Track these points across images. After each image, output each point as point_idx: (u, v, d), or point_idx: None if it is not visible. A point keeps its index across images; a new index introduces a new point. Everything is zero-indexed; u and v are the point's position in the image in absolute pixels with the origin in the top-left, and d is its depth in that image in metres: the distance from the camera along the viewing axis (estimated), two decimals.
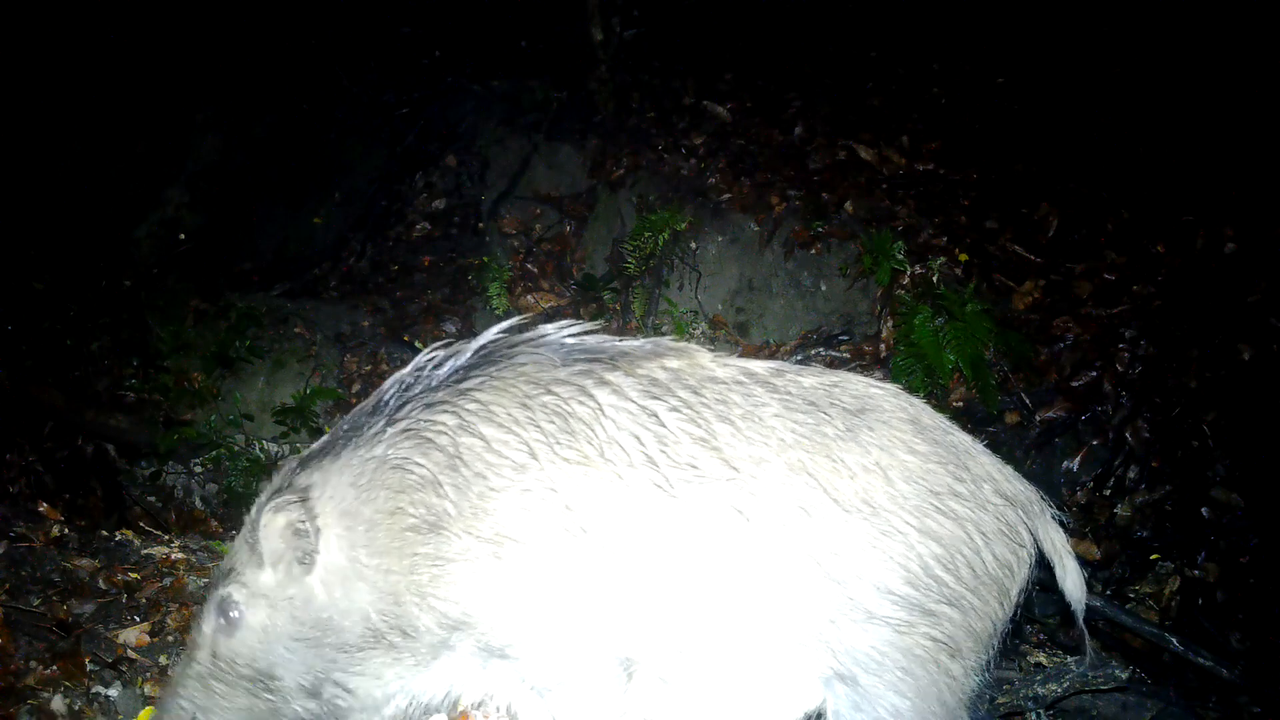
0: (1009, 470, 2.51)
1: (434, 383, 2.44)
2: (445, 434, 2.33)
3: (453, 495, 2.29)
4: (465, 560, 2.29)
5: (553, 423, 2.32)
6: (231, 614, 2.36)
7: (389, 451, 2.35)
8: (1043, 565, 2.50)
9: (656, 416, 2.33)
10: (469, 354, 2.47)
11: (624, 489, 2.28)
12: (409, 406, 2.40)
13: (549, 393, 2.36)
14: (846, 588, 2.26)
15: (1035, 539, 2.45)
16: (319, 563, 2.32)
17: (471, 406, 2.36)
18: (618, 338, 2.54)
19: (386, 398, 2.46)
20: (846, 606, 2.27)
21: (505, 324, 2.55)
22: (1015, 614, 2.48)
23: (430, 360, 2.50)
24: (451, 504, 2.29)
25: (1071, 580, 2.49)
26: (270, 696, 2.37)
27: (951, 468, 2.37)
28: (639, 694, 2.39)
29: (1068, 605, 2.53)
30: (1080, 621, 2.54)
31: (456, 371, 2.44)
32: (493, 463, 2.30)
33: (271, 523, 2.30)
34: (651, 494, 2.27)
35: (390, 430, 2.38)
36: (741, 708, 2.43)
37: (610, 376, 2.39)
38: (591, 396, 2.35)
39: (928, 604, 2.28)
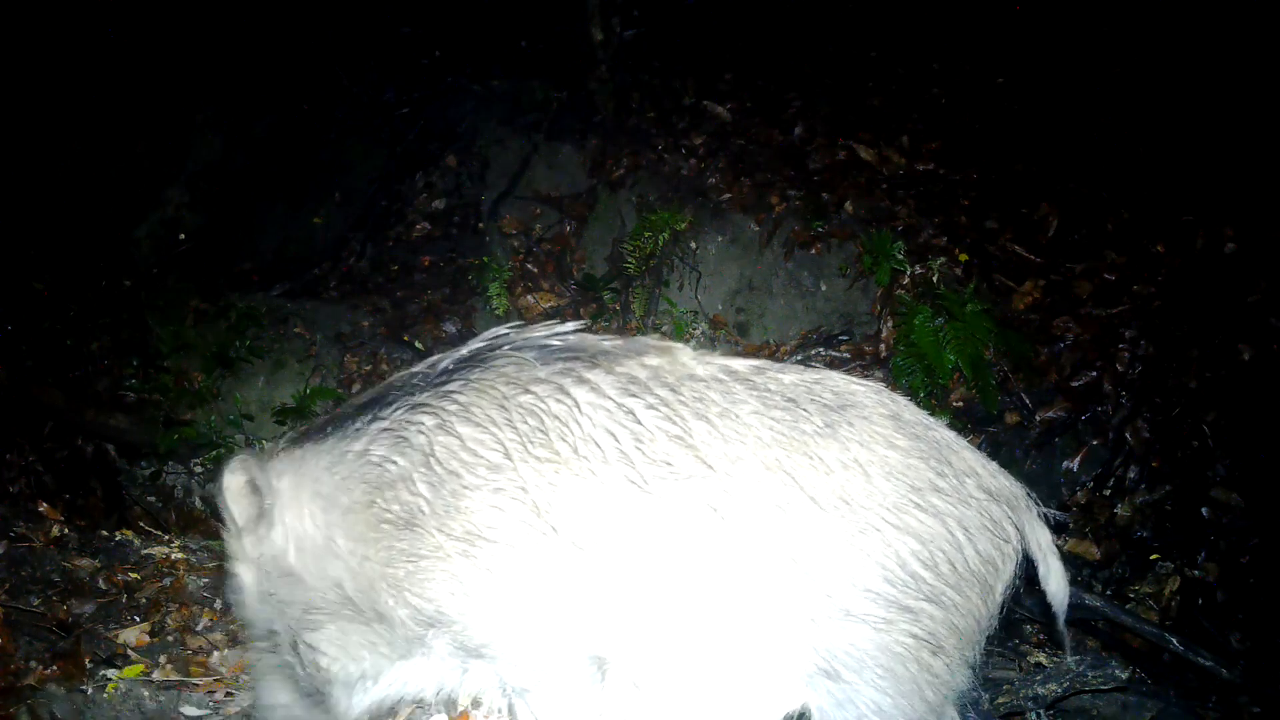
0: (994, 466, 2.46)
1: (421, 386, 2.48)
2: (423, 433, 2.36)
3: (426, 493, 2.32)
4: (437, 558, 2.31)
5: (527, 422, 2.32)
6: (236, 581, 2.53)
7: (369, 447, 2.40)
8: (1032, 564, 2.46)
9: (633, 414, 2.32)
10: (454, 359, 2.50)
11: (597, 486, 2.27)
12: (394, 407, 2.44)
13: (527, 392, 2.37)
14: (824, 585, 2.25)
15: (1021, 535, 2.41)
16: (287, 526, 2.42)
17: (451, 408, 2.38)
18: (601, 336, 2.53)
19: (377, 397, 2.51)
20: (824, 604, 2.25)
21: (494, 330, 2.56)
22: (1003, 609, 2.44)
23: (427, 364, 2.54)
24: (425, 501, 2.31)
25: (1055, 580, 2.46)
26: (276, 655, 2.51)
27: (933, 463, 2.33)
28: (615, 694, 2.39)
29: (1049, 605, 2.50)
30: (1061, 623, 2.51)
31: (441, 375, 2.47)
32: (467, 461, 2.32)
33: (229, 484, 2.41)
34: (625, 490, 2.26)
35: (373, 427, 2.43)
36: (720, 707, 2.42)
37: (589, 374, 2.38)
38: (569, 394, 2.35)
39: (907, 601, 2.26)
